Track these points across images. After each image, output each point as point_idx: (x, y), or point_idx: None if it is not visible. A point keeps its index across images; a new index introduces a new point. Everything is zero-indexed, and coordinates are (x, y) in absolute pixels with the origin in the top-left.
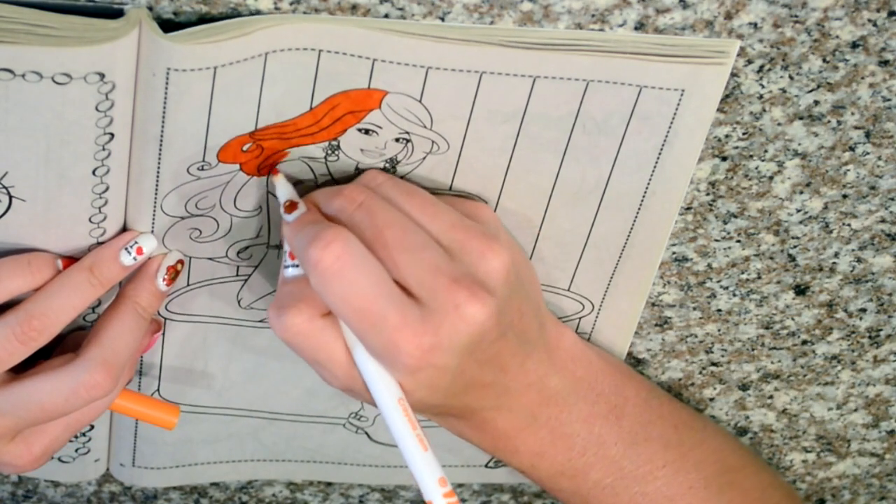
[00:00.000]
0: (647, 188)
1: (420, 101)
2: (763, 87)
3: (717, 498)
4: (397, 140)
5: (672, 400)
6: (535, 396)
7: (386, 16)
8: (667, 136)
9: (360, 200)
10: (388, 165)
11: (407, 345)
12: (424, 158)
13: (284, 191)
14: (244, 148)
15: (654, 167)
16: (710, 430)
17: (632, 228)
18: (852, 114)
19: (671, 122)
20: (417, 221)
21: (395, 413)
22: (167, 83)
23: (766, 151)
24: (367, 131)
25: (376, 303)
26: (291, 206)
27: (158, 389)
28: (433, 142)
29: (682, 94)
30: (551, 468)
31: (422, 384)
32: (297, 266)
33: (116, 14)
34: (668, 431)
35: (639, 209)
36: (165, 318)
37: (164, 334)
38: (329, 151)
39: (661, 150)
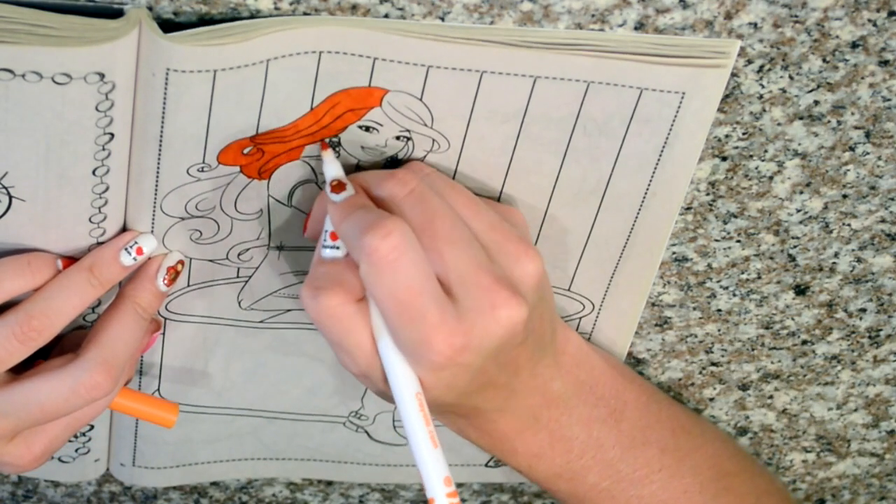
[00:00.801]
0: (647, 189)
1: (421, 100)
2: (763, 87)
3: (711, 502)
4: (398, 138)
5: (672, 404)
6: (538, 399)
7: (386, 16)
8: (667, 139)
9: (412, 187)
10: (388, 164)
11: (440, 343)
12: (425, 157)
13: (332, 169)
14: (245, 151)
15: (655, 168)
16: (709, 434)
17: (632, 229)
18: (852, 114)
19: (672, 125)
20: (462, 216)
21: (412, 406)
22: (167, 83)
23: (766, 151)
24: (367, 128)
25: (420, 299)
26: (339, 186)
27: (159, 389)
28: (434, 140)
29: (682, 97)
30: (549, 470)
31: (442, 382)
32: (337, 248)
33: (116, 14)
34: (665, 436)
35: (639, 210)
36: (166, 318)
37: (164, 334)
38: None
39: (662, 151)
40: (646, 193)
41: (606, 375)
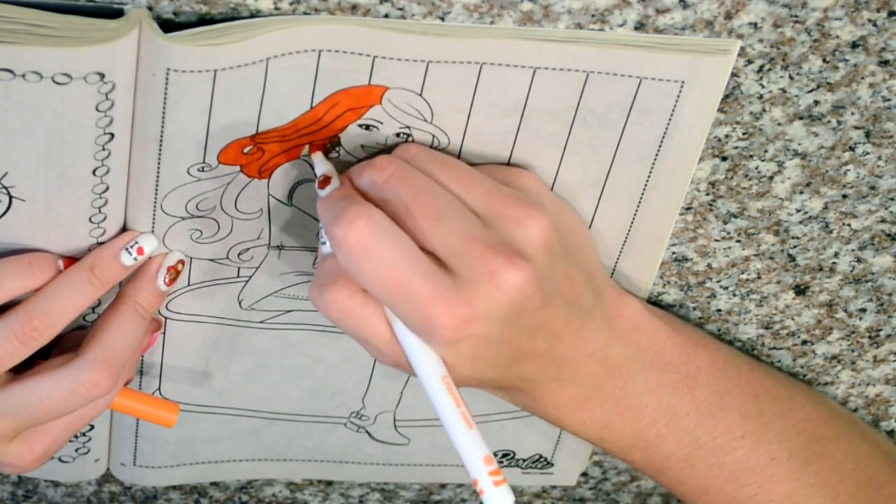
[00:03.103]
0: (647, 181)
1: (420, 95)
2: (763, 87)
3: (803, 469)
4: (398, 135)
5: (755, 367)
6: (597, 366)
7: (386, 16)
8: (667, 128)
9: (391, 171)
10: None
11: (441, 316)
12: None
13: (321, 166)
14: (245, 150)
15: (655, 160)
16: (799, 398)
17: (632, 224)
18: (852, 114)
19: (671, 114)
20: (452, 191)
21: (440, 391)
22: (167, 83)
23: (766, 151)
24: (367, 127)
25: (406, 276)
26: (325, 180)
27: (159, 389)
28: (433, 136)
29: (682, 86)
30: (621, 440)
31: (465, 356)
32: None
33: (116, 14)
34: (746, 401)
35: (639, 204)
36: (166, 318)
37: (164, 334)
38: (329, 149)
39: (662, 142)
40: (645, 186)
41: (673, 340)
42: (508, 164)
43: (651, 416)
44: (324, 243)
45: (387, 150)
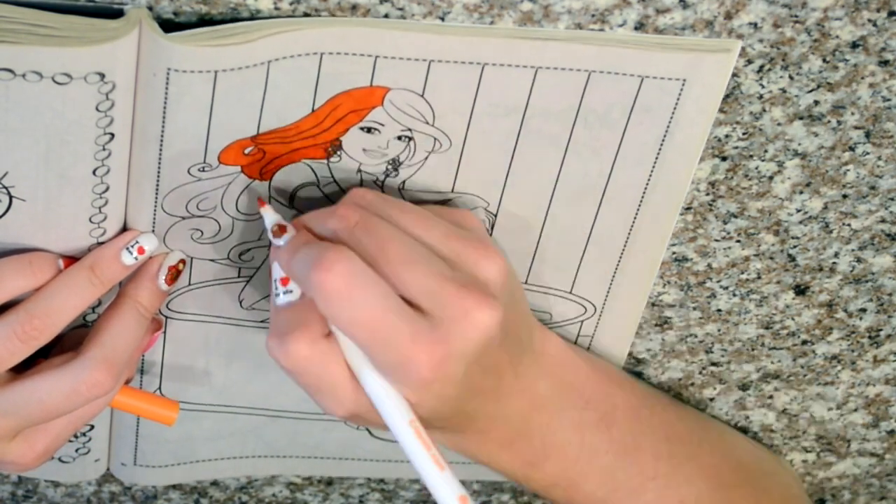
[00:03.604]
0: (648, 181)
1: (422, 96)
2: (763, 87)
3: None
4: (399, 138)
5: (666, 408)
6: (526, 403)
7: (386, 16)
8: (668, 127)
9: (356, 219)
10: (390, 167)
11: (420, 356)
12: (427, 158)
13: (271, 217)
14: (246, 151)
15: (656, 159)
16: (708, 444)
17: (633, 225)
18: (852, 114)
19: (672, 113)
20: (413, 235)
21: (409, 436)
22: (167, 83)
23: (766, 151)
24: (369, 129)
25: (386, 318)
26: (280, 229)
27: (160, 388)
28: (435, 139)
29: (683, 84)
30: (545, 479)
31: (433, 395)
32: (290, 292)
33: (116, 14)
34: (657, 442)
35: (640, 204)
36: (167, 317)
37: (165, 333)
38: (331, 152)
39: (663, 141)
40: (646, 187)
41: (592, 378)
42: (449, 203)
43: (574, 453)
44: (277, 295)
45: (393, 160)
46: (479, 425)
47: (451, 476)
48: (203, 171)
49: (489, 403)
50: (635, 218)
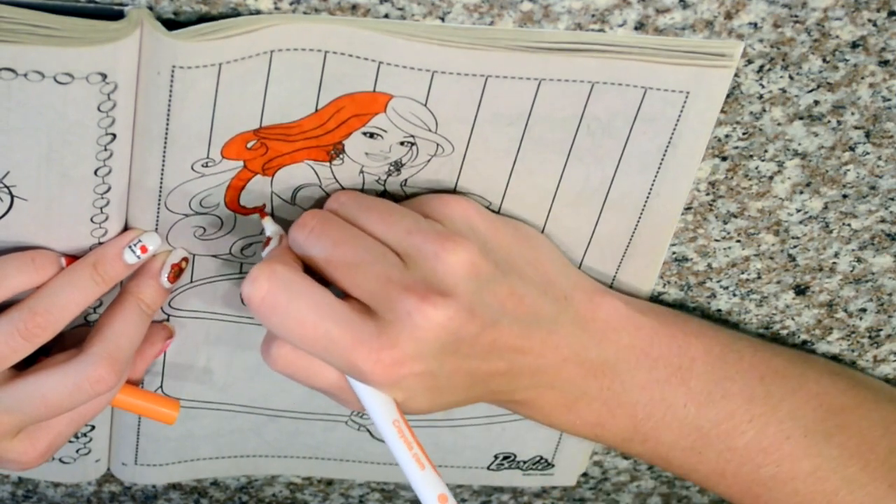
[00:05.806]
0: (650, 189)
1: (425, 105)
2: (763, 87)
3: (823, 443)
4: (402, 143)
5: (759, 349)
6: (575, 370)
7: (386, 15)
8: (671, 138)
9: (312, 225)
10: (392, 169)
11: (365, 362)
12: (429, 161)
13: (268, 227)
14: (248, 145)
15: (659, 168)
16: (813, 373)
17: (635, 229)
18: (852, 114)
19: (676, 124)
20: (374, 234)
21: (391, 435)
22: (172, 81)
23: (766, 151)
24: (371, 135)
25: (319, 326)
26: (266, 242)
27: (161, 386)
28: (438, 145)
29: (686, 96)
30: (616, 436)
31: (415, 391)
32: None
33: (118, 15)
34: (751, 384)
35: (642, 210)
36: (168, 315)
37: None
38: (333, 155)
39: (666, 151)
40: (649, 194)
41: (660, 334)
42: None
43: (644, 411)
44: None
45: (396, 162)
46: (524, 396)
47: (432, 474)
48: (206, 166)
49: (521, 379)
50: (637, 223)
